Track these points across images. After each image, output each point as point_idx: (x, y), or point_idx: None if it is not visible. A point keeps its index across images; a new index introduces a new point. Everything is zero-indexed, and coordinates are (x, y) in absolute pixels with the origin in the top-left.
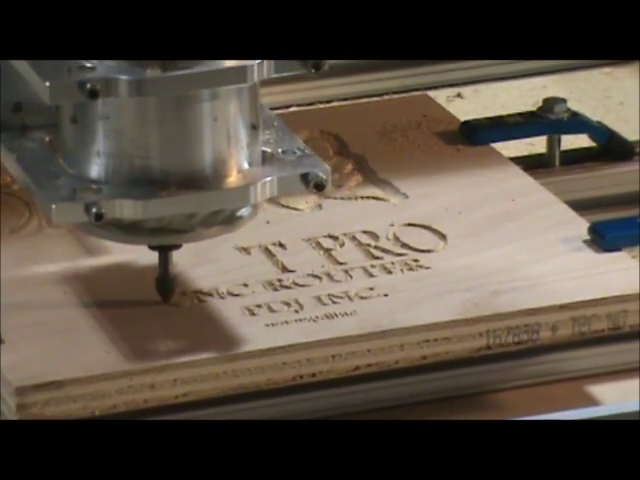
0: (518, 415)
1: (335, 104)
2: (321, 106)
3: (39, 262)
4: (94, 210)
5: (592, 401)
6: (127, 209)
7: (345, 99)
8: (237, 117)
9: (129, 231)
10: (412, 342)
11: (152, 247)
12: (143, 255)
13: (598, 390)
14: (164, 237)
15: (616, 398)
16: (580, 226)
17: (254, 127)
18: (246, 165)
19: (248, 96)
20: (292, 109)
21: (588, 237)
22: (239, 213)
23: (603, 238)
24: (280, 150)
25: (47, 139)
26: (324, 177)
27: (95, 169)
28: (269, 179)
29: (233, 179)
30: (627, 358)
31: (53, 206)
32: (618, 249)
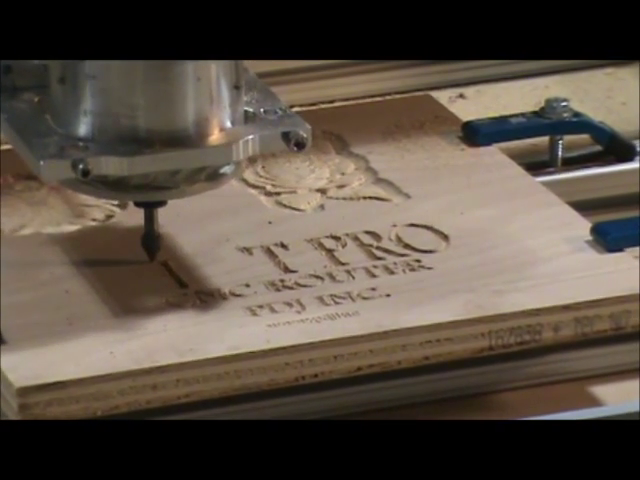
0: (520, 415)
1: (338, 104)
2: (323, 106)
3: (40, 262)
4: (81, 166)
5: (594, 401)
6: (113, 166)
7: (348, 99)
8: (220, 77)
9: (115, 188)
10: (414, 343)
11: (137, 204)
12: (146, 257)
13: (600, 390)
14: (149, 193)
15: (618, 398)
16: (583, 226)
17: (237, 87)
18: (229, 124)
19: None
20: (295, 109)
21: (591, 237)
22: (222, 170)
23: (606, 238)
24: (262, 110)
25: (36, 100)
26: (305, 136)
27: (82, 128)
28: (251, 137)
29: (216, 137)
30: (629, 358)
31: (41, 162)
32: (621, 249)
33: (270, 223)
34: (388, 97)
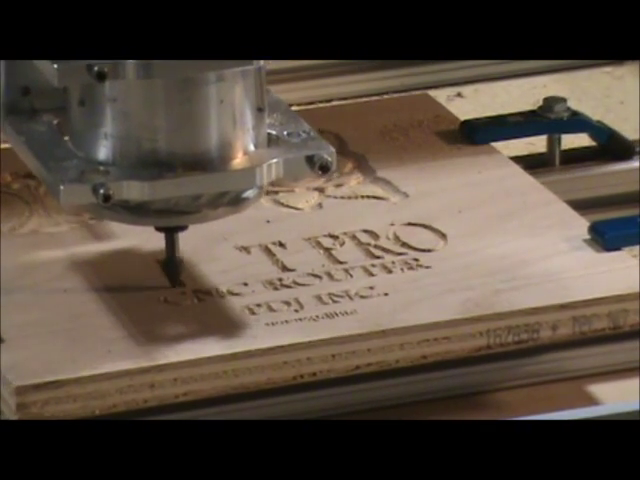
0: (518, 414)
1: (335, 103)
2: (321, 105)
3: (39, 261)
4: (102, 191)
5: (592, 400)
6: (134, 190)
7: (345, 98)
8: (243, 99)
9: (136, 212)
10: (412, 341)
11: (159, 228)
12: (144, 256)
13: (598, 389)
14: (170, 218)
15: (616, 397)
16: (580, 225)
17: (260, 109)
18: (252, 147)
19: (254, 79)
20: (292, 108)
21: (588, 236)
22: (245, 194)
23: (603, 237)
24: (286, 132)
25: (55, 122)
26: (329, 159)
27: (103, 151)
28: (275, 161)
29: (239, 161)
30: (627, 357)
31: (61, 187)
32: (618, 248)
33: (268, 222)
34: (386, 96)
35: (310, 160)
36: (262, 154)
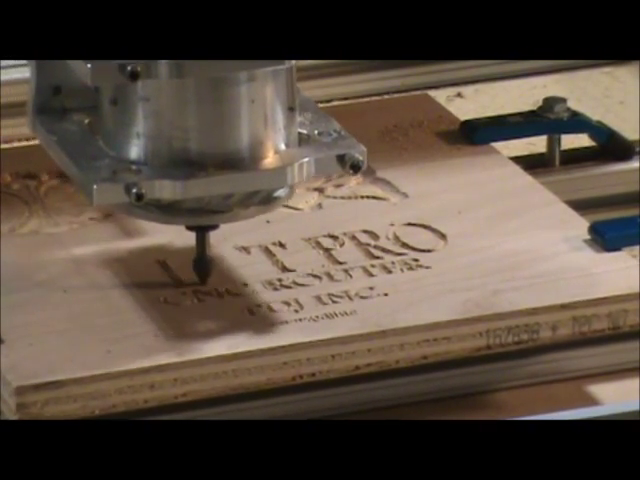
0: (518, 415)
1: (336, 103)
2: (321, 105)
3: (38, 261)
4: (134, 190)
5: (592, 401)
6: (166, 189)
7: (346, 99)
8: (274, 99)
9: (167, 211)
10: (412, 342)
11: (190, 227)
12: (144, 256)
13: (598, 390)
14: (202, 217)
15: (616, 398)
16: (580, 226)
17: (291, 109)
18: (283, 146)
19: (285, 78)
20: None
21: (588, 237)
22: (276, 194)
23: (603, 238)
24: (316, 132)
25: (86, 121)
26: (360, 158)
27: (135, 150)
28: (306, 160)
29: (270, 160)
30: (627, 358)
31: (94, 187)
32: (618, 249)
33: (268, 222)
34: (386, 96)
35: (341, 159)
36: (293, 153)
